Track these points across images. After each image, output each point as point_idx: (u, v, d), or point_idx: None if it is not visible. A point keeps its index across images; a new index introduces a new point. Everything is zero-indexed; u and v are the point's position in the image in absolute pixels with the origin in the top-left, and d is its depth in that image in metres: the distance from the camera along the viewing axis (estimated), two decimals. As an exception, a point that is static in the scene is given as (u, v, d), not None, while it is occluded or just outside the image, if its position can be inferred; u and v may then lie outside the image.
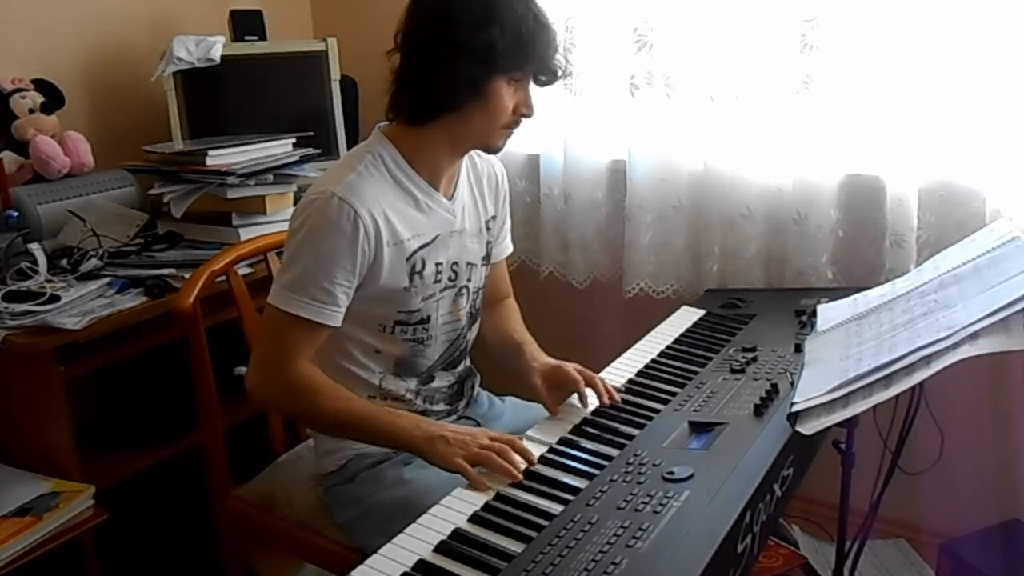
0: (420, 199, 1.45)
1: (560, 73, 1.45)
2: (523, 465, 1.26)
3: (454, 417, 1.59)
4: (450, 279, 1.51)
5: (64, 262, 1.84)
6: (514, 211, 1.72)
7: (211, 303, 1.64)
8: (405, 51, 1.39)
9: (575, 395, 1.48)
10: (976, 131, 1.79)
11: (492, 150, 1.50)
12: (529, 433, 1.37)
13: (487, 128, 1.42)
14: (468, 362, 1.64)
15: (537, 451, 1.30)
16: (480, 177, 1.59)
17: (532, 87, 1.44)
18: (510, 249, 1.71)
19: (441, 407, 1.56)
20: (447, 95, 1.37)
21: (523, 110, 1.43)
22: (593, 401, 1.46)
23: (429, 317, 1.49)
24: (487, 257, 1.59)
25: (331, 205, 1.34)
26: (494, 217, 1.61)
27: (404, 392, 1.51)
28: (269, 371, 1.38)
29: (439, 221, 1.47)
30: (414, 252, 1.43)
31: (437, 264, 1.47)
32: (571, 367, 1.50)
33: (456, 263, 1.51)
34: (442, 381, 1.56)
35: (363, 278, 1.39)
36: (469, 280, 1.55)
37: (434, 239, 1.46)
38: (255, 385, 1.39)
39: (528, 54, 1.38)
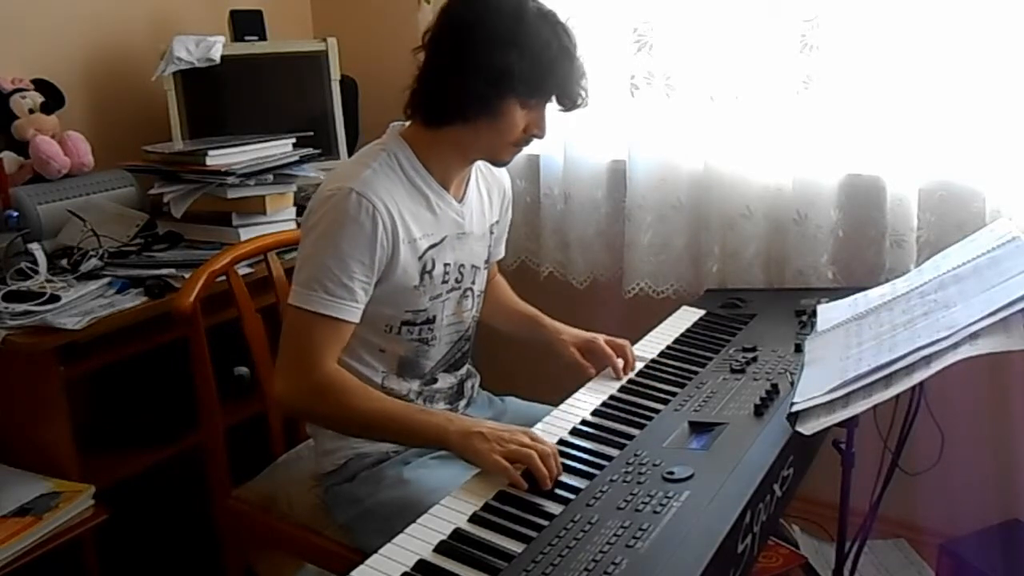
0: (432, 199, 1.45)
1: (580, 102, 1.44)
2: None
3: (454, 417, 1.59)
4: (457, 280, 1.51)
5: (64, 262, 1.84)
6: (514, 211, 1.73)
7: (211, 303, 1.64)
8: (429, 53, 1.39)
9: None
10: (976, 131, 1.80)
11: (499, 163, 1.51)
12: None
13: (495, 143, 1.42)
14: (470, 364, 1.64)
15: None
16: (490, 183, 1.60)
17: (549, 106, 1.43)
18: (502, 254, 1.72)
19: (442, 406, 1.56)
20: (458, 107, 1.37)
21: (534, 131, 1.42)
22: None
23: (435, 317, 1.49)
24: (487, 261, 1.60)
25: (350, 200, 1.33)
26: (497, 222, 1.62)
27: (406, 392, 1.51)
28: (296, 375, 1.33)
29: (448, 222, 1.48)
30: (425, 251, 1.43)
31: (446, 265, 1.48)
32: (602, 342, 1.58)
33: (463, 265, 1.52)
34: (444, 382, 1.57)
35: (381, 273, 1.38)
36: (473, 283, 1.55)
37: (442, 240, 1.46)
38: (282, 392, 1.35)
39: (545, 81, 1.37)
